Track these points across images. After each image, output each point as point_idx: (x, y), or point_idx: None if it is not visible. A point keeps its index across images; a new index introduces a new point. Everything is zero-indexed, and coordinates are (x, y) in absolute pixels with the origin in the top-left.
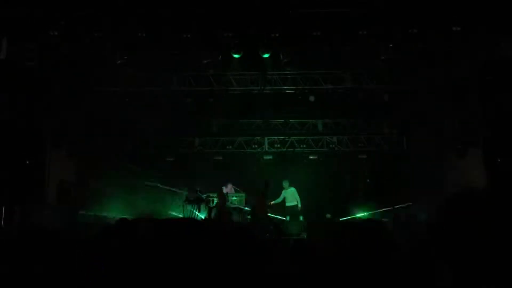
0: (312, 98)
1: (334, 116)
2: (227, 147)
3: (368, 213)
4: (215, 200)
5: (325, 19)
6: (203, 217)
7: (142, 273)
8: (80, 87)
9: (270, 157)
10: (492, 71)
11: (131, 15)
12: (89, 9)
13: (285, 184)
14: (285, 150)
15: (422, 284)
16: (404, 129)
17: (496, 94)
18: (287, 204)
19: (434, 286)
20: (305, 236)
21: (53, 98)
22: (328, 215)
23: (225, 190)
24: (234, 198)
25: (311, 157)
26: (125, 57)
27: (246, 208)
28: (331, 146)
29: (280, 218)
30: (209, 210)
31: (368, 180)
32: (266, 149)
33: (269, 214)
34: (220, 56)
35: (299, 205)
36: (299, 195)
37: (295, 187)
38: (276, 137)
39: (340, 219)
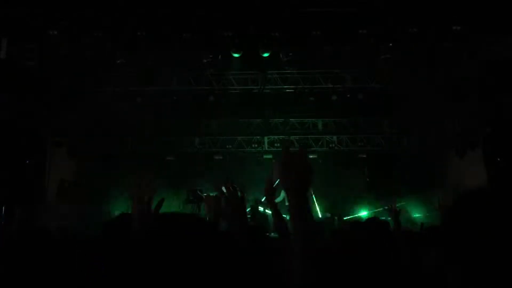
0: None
1: (334, 115)
2: (227, 146)
3: (368, 212)
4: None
5: (325, 19)
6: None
7: (143, 271)
8: (80, 87)
9: (270, 156)
10: (492, 71)
11: (131, 15)
12: (89, 9)
13: None
14: None
15: (427, 284)
16: (404, 129)
17: (496, 94)
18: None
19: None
20: None
21: (53, 98)
22: (328, 214)
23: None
24: None
25: (311, 157)
26: (125, 57)
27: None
28: (331, 145)
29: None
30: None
31: (368, 179)
32: (266, 149)
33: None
34: (220, 56)
35: None
36: None
37: None
38: (276, 137)
39: (344, 218)
